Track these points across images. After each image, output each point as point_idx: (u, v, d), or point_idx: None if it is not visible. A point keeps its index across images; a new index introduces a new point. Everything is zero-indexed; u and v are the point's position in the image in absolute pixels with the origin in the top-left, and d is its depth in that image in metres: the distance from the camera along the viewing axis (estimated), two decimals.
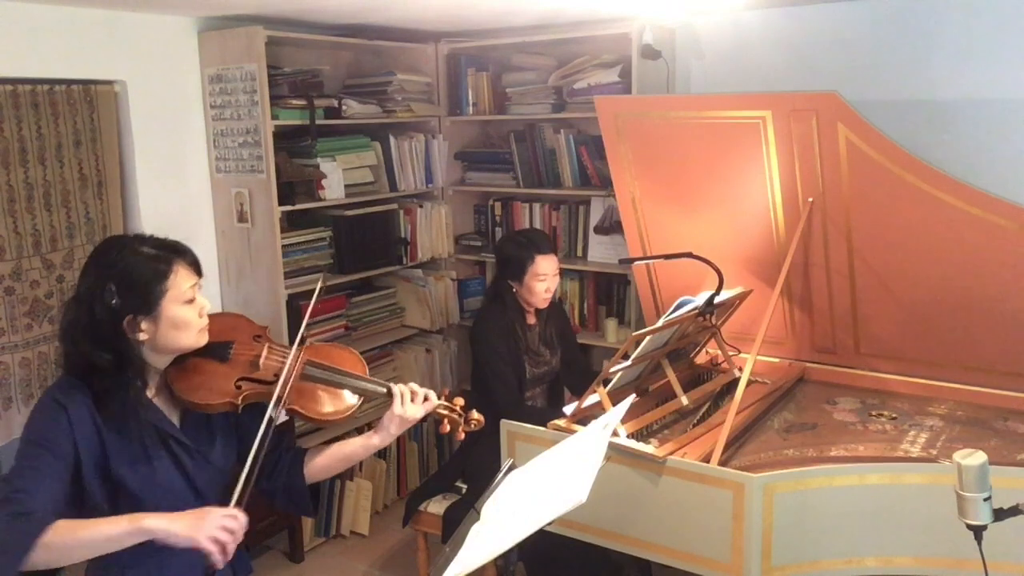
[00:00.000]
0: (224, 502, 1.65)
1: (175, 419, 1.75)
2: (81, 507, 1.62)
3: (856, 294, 2.75)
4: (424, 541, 3.14)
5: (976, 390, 2.68)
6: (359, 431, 3.37)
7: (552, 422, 2.44)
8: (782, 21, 3.40)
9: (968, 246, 2.47)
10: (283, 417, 1.81)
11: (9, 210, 2.94)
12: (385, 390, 1.87)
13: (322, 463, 1.90)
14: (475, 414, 1.96)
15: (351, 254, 3.73)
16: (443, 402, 1.93)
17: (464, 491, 3.07)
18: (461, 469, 3.16)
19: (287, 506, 1.92)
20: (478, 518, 1.61)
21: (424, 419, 1.90)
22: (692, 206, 2.91)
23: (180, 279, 1.66)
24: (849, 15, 3.28)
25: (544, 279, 3.05)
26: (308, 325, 3.35)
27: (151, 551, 1.66)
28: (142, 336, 1.64)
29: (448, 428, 1.93)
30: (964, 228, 2.43)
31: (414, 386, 1.89)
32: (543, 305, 3.12)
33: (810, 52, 3.36)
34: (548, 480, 1.68)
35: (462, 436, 1.96)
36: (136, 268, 1.63)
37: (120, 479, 1.64)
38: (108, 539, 1.53)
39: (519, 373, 3.08)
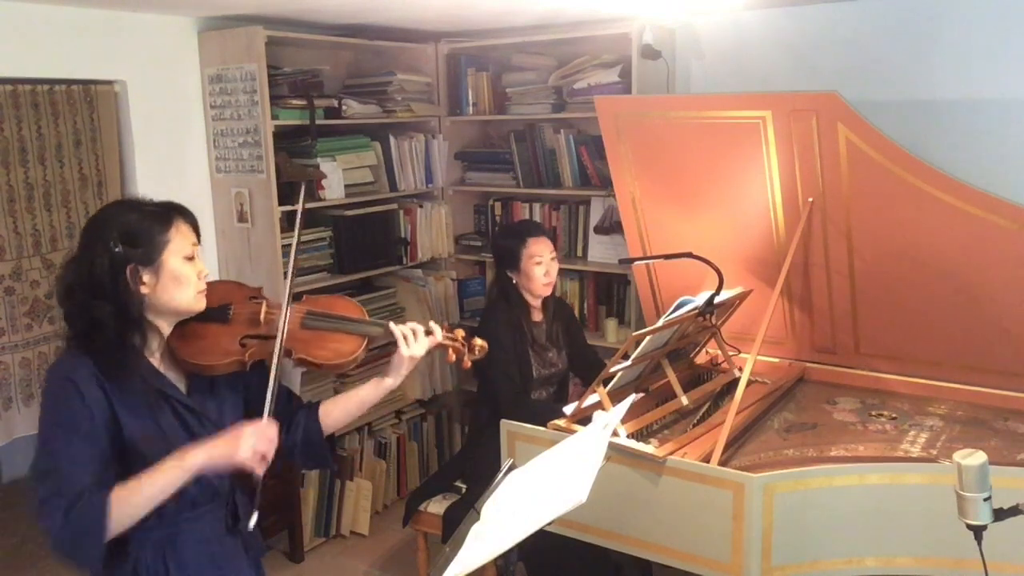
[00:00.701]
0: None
1: (182, 386, 1.76)
2: None
3: (856, 294, 2.75)
4: (424, 541, 3.14)
5: (976, 390, 2.68)
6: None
7: (552, 422, 2.44)
8: (782, 21, 3.40)
9: (968, 246, 2.47)
10: (295, 368, 1.83)
11: (9, 210, 2.94)
12: (381, 329, 1.91)
13: (338, 411, 1.93)
14: (478, 340, 1.99)
15: (351, 254, 3.73)
16: (446, 333, 1.96)
17: (464, 491, 3.07)
18: (461, 469, 3.16)
19: (306, 461, 1.95)
20: (478, 518, 1.61)
21: (430, 352, 1.94)
22: (692, 206, 2.91)
23: (180, 234, 1.68)
24: (849, 15, 3.28)
25: (540, 261, 3.05)
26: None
27: (160, 539, 1.69)
28: (144, 288, 1.64)
29: (454, 357, 1.97)
30: (964, 228, 2.43)
31: (414, 325, 1.91)
32: (545, 292, 3.11)
33: (810, 52, 3.36)
34: (548, 480, 1.68)
35: (468, 365, 1.99)
36: (138, 220, 1.65)
37: (132, 444, 1.65)
38: (164, 489, 1.59)
39: (525, 371, 3.07)
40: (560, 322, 3.24)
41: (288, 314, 1.80)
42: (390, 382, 1.92)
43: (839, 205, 2.60)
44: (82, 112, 3.11)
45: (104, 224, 1.65)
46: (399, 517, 3.22)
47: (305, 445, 1.90)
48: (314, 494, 3.68)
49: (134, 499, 1.56)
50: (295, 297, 1.89)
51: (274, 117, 3.35)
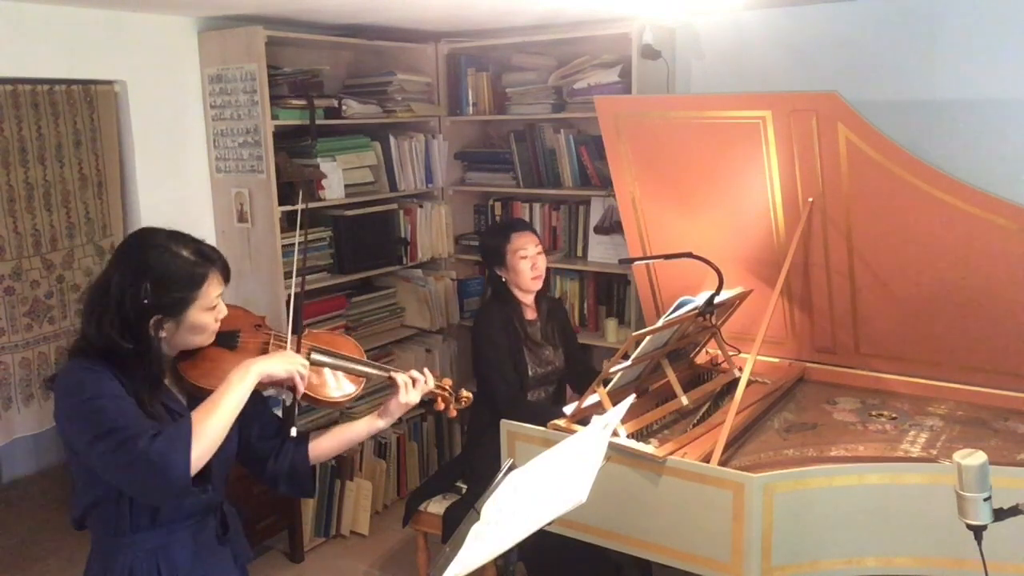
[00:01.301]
0: (223, 480, 1.81)
1: (183, 400, 1.78)
2: (100, 486, 1.65)
3: (856, 294, 2.75)
4: (424, 541, 3.14)
5: (976, 390, 2.68)
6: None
7: (552, 422, 2.44)
8: (782, 21, 3.40)
9: (968, 246, 2.47)
10: (286, 396, 1.86)
11: (9, 210, 2.94)
12: (385, 375, 1.98)
13: (327, 445, 1.98)
14: (464, 392, 2.12)
15: (351, 254, 3.73)
16: (436, 382, 2.06)
17: (464, 491, 3.07)
18: (461, 469, 3.16)
19: (289, 489, 1.97)
20: (478, 518, 1.61)
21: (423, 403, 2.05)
22: (692, 206, 2.91)
23: (211, 288, 1.71)
24: (849, 15, 3.28)
25: (525, 255, 3.05)
26: (306, 324, 3.36)
27: (154, 547, 1.69)
28: (162, 335, 1.67)
29: (443, 406, 2.08)
30: (964, 228, 2.43)
31: (414, 373, 2.00)
32: (534, 286, 3.11)
33: (810, 52, 3.36)
34: (548, 480, 1.68)
35: (454, 413, 2.11)
36: (174, 272, 1.66)
37: None
38: (237, 403, 1.65)
39: (520, 370, 3.07)
40: (555, 321, 3.24)
41: (292, 348, 1.85)
42: (382, 424, 2.00)
43: (839, 205, 2.60)
44: (82, 112, 3.11)
45: (140, 264, 1.65)
46: (399, 517, 3.22)
47: (290, 474, 1.92)
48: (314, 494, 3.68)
49: (211, 421, 1.59)
50: (294, 329, 1.91)
51: (274, 117, 3.35)
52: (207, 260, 1.72)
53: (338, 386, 1.93)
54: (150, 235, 1.73)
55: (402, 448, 4.07)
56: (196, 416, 1.58)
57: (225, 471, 1.83)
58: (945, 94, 3.15)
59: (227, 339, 1.82)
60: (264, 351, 1.85)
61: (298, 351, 1.85)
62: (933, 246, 2.52)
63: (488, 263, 3.19)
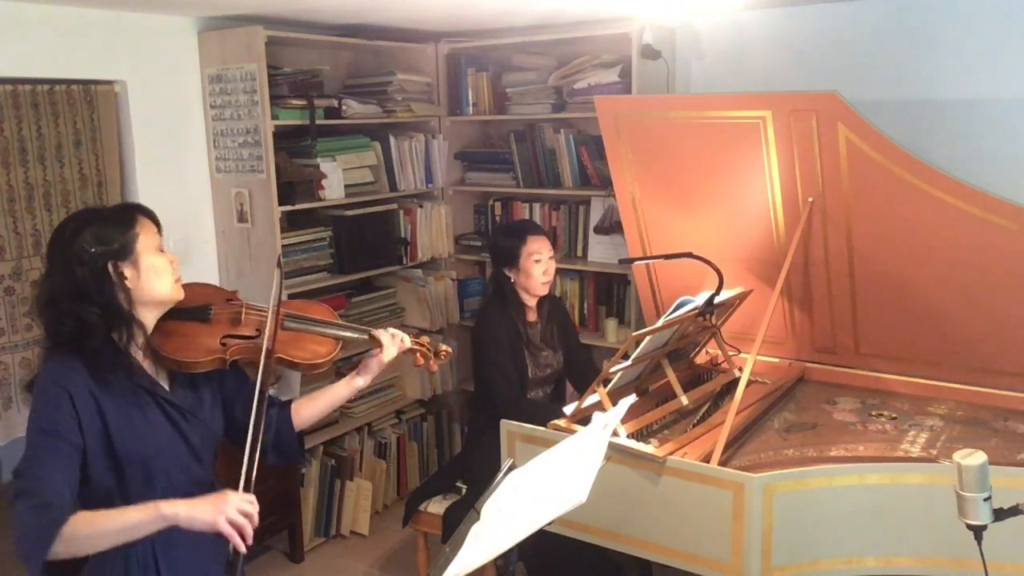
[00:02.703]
0: (212, 461, 1.82)
1: (165, 383, 1.79)
2: (88, 486, 1.65)
3: (856, 294, 2.75)
4: (424, 541, 3.14)
5: (976, 390, 2.68)
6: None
7: (552, 422, 2.44)
8: (782, 21, 3.40)
9: (968, 246, 2.47)
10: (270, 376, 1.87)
11: (9, 210, 2.94)
12: (366, 336, 2.01)
13: (310, 409, 2.01)
14: (442, 346, 2.15)
15: (351, 254, 3.73)
16: (414, 339, 2.09)
17: (464, 491, 3.07)
18: (461, 469, 3.16)
19: (278, 458, 1.98)
20: (478, 518, 1.61)
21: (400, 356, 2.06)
22: (692, 206, 2.91)
23: (146, 227, 1.74)
24: (849, 15, 3.28)
25: (540, 259, 3.04)
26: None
27: (155, 549, 1.70)
28: (127, 282, 1.69)
29: (422, 361, 2.10)
30: (964, 228, 2.43)
31: (393, 330, 2.02)
32: (542, 291, 3.10)
33: (810, 52, 3.36)
34: (548, 480, 1.68)
35: (435, 367, 2.14)
36: (104, 222, 1.70)
37: (123, 447, 1.67)
38: (126, 528, 1.57)
39: (521, 369, 3.07)
40: (555, 323, 3.23)
41: (271, 324, 1.85)
42: (361, 382, 2.02)
43: (839, 205, 2.60)
44: (82, 112, 3.11)
45: (72, 235, 1.68)
46: (399, 517, 3.22)
47: (276, 443, 1.95)
48: (314, 494, 3.68)
49: (95, 527, 1.54)
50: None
51: (274, 117, 3.35)
52: (127, 207, 1.79)
53: (314, 348, 1.94)
54: (66, 219, 1.76)
55: (402, 448, 4.07)
56: (82, 518, 1.53)
57: (213, 450, 1.86)
58: (945, 94, 3.15)
59: (200, 312, 1.85)
60: (237, 321, 1.87)
61: (275, 324, 1.84)
62: (933, 246, 2.52)
63: (497, 262, 3.16)
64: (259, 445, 1.70)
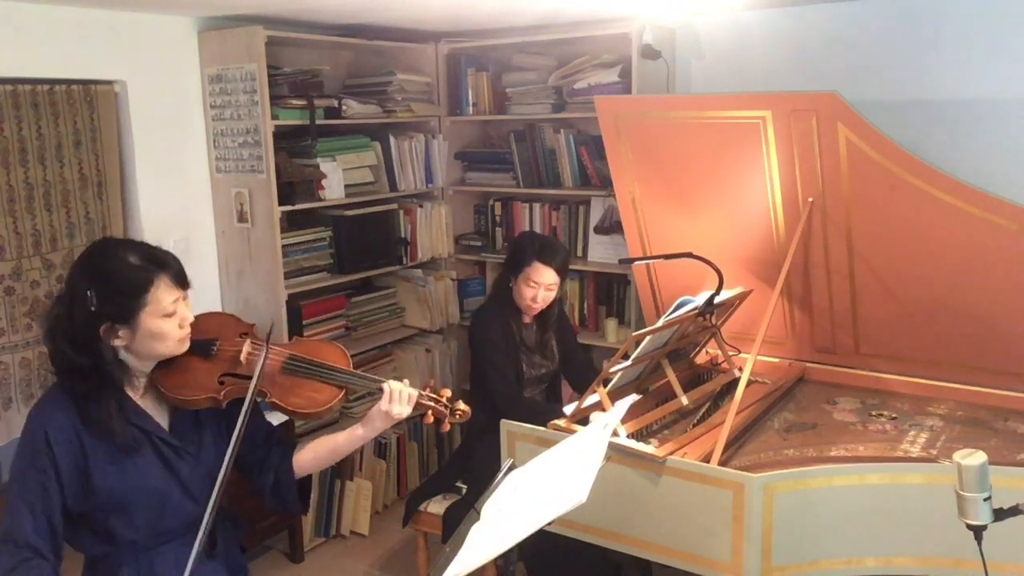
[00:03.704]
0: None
1: (164, 419, 1.76)
2: (71, 522, 1.66)
3: (856, 294, 2.75)
4: (424, 541, 3.14)
5: (976, 390, 2.68)
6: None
7: (552, 422, 2.44)
8: (782, 21, 3.40)
9: (968, 246, 2.47)
10: (274, 415, 1.82)
11: (9, 210, 2.94)
12: (374, 384, 1.88)
13: (308, 456, 1.90)
14: (461, 405, 1.94)
15: (351, 254, 3.73)
16: (428, 393, 1.93)
17: (464, 491, 3.07)
18: (461, 469, 3.16)
19: (276, 503, 1.91)
20: (478, 518, 1.61)
21: (412, 416, 1.90)
22: (692, 206, 2.91)
23: (161, 293, 1.65)
24: (849, 15, 3.28)
25: (534, 287, 2.98)
26: (306, 324, 3.36)
27: (141, 549, 1.70)
28: (119, 342, 1.65)
29: (432, 419, 1.92)
30: (964, 228, 2.43)
31: (404, 387, 1.87)
32: (528, 312, 3.06)
33: (810, 52, 3.36)
34: (548, 480, 1.68)
35: (447, 428, 1.95)
36: (118, 278, 1.62)
37: (102, 483, 1.65)
38: None
39: (516, 369, 3.07)
40: (554, 332, 3.19)
41: (266, 362, 1.78)
42: (360, 431, 1.88)
43: (839, 205, 2.60)
44: (82, 112, 3.11)
45: (87, 272, 1.64)
46: (399, 517, 3.22)
47: (275, 488, 1.88)
48: (314, 494, 3.68)
49: None
50: (281, 343, 1.89)
51: (274, 117, 3.35)
52: (155, 264, 1.66)
53: (311, 397, 1.83)
54: (104, 242, 1.72)
55: (402, 448, 4.07)
56: None
57: (207, 487, 1.77)
58: (945, 94, 3.15)
59: (203, 347, 1.79)
60: (237, 360, 1.80)
61: (262, 365, 1.77)
62: (933, 246, 2.52)
63: (506, 262, 3.14)
64: (233, 453, 1.65)
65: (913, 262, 2.58)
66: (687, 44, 3.63)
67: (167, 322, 1.66)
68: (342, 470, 3.76)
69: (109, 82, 3.19)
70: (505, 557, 1.62)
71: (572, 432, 2.24)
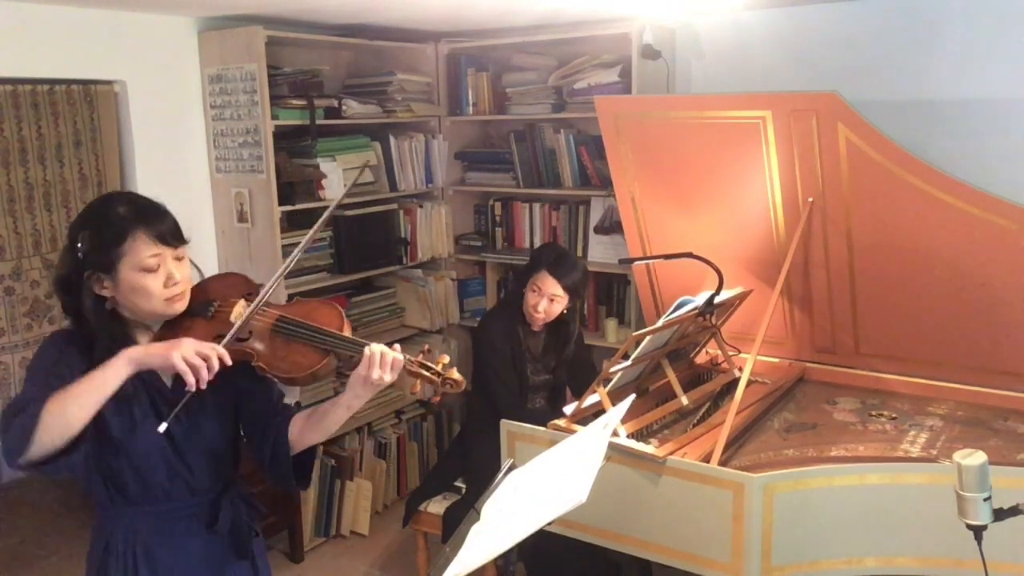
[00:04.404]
0: (211, 468, 1.77)
1: (166, 378, 1.74)
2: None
3: (856, 294, 2.75)
4: (424, 541, 3.14)
5: (976, 390, 2.68)
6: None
7: (552, 422, 2.44)
8: (782, 21, 3.40)
9: (968, 246, 2.47)
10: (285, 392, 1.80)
11: (9, 210, 2.94)
12: (356, 348, 1.73)
13: (297, 427, 1.81)
14: (455, 374, 1.77)
15: (351, 254, 3.73)
16: (419, 360, 1.77)
17: (464, 491, 3.07)
18: (461, 469, 3.16)
19: (273, 478, 1.84)
20: (478, 518, 1.61)
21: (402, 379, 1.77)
22: (692, 206, 2.91)
23: (139, 245, 1.63)
24: (849, 15, 3.28)
25: (538, 294, 2.98)
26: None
27: (128, 524, 1.71)
28: (106, 292, 1.65)
29: (419, 389, 1.77)
30: (964, 228, 2.43)
31: (390, 352, 1.71)
32: (533, 321, 3.05)
33: (810, 52, 3.36)
34: (548, 480, 1.68)
35: (438, 400, 1.83)
36: (102, 225, 1.64)
37: (104, 427, 1.64)
38: (99, 385, 1.53)
39: (521, 377, 3.07)
40: (565, 345, 3.17)
41: (257, 319, 1.75)
42: (343, 402, 1.75)
43: (839, 205, 2.60)
44: (82, 112, 3.11)
45: (83, 217, 1.67)
46: (399, 517, 3.22)
47: (272, 462, 1.82)
48: (314, 494, 3.68)
49: (66, 397, 1.50)
50: (288, 297, 1.86)
51: (274, 117, 3.35)
52: (138, 217, 1.64)
53: (295, 361, 1.74)
54: (110, 193, 1.75)
55: (402, 448, 4.07)
56: (51, 401, 1.50)
57: (208, 458, 1.77)
58: (945, 94, 3.15)
59: (201, 307, 1.77)
60: (228, 319, 1.76)
61: (245, 324, 1.72)
62: (933, 246, 2.52)
63: (525, 268, 3.11)
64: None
65: (913, 262, 2.58)
66: (687, 44, 3.63)
67: (147, 277, 1.64)
68: (342, 470, 3.76)
69: (109, 82, 3.19)
70: (505, 557, 1.62)
71: (572, 432, 2.24)
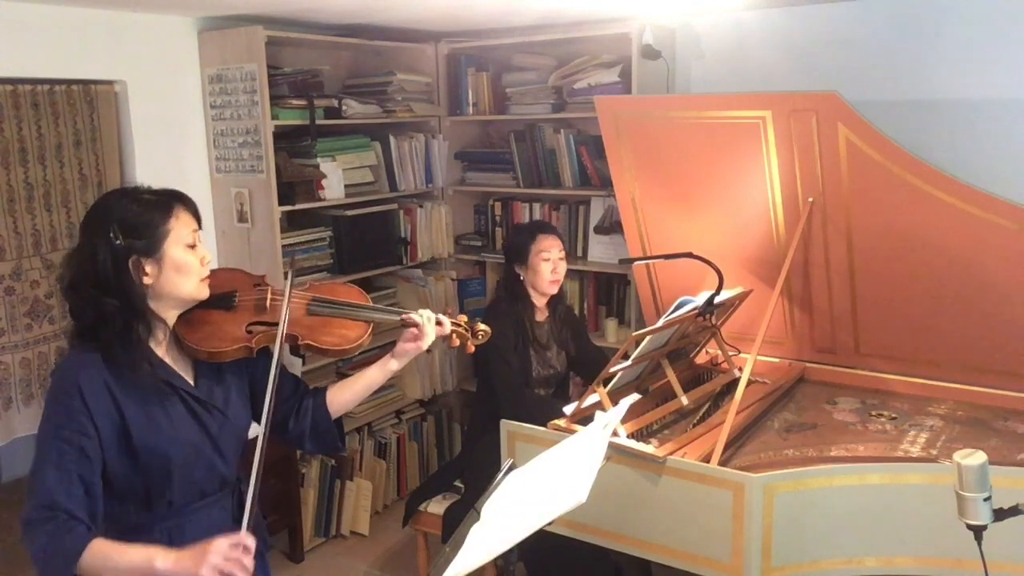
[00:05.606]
0: (237, 456, 1.78)
1: (188, 375, 1.75)
2: (109, 483, 1.64)
3: (856, 294, 2.75)
4: (424, 541, 3.14)
5: (976, 390, 2.68)
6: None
7: (552, 422, 2.44)
8: (782, 21, 3.40)
9: (968, 246, 2.47)
10: (291, 357, 1.83)
11: (9, 210, 2.94)
12: (398, 318, 1.93)
13: (344, 395, 1.95)
14: (481, 325, 2.05)
15: (351, 254, 3.73)
16: (450, 319, 2.01)
17: (464, 491, 3.07)
18: (461, 469, 3.16)
19: (316, 447, 1.96)
20: (478, 518, 1.61)
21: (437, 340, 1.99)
22: (692, 206, 2.91)
23: (181, 222, 1.68)
24: (849, 15, 3.28)
25: (548, 258, 3.04)
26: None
27: (174, 511, 1.72)
28: (147, 279, 1.64)
29: (458, 342, 2.02)
30: (964, 228, 2.43)
31: (428, 312, 1.96)
32: (551, 290, 3.10)
33: (810, 52, 3.36)
34: (548, 480, 1.68)
35: (472, 349, 2.05)
36: (138, 211, 1.65)
37: (140, 439, 1.64)
38: (130, 571, 1.55)
39: (525, 367, 3.06)
40: (568, 327, 3.22)
41: (290, 306, 1.80)
42: (395, 365, 1.95)
43: (839, 205, 2.60)
44: (82, 112, 3.11)
45: (104, 215, 1.64)
46: (399, 517, 3.22)
47: (314, 431, 1.91)
48: (314, 494, 3.68)
49: (108, 561, 1.55)
50: (300, 286, 1.90)
51: (274, 117, 3.35)
52: (169, 195, 1.70)
53: (343, 334, 1.88)
54: (111, 192, 1.75)
55: (402, 448, 4.07)
56: (96, 549, 1.54)
57: (238, 445, 1.81)
58: (945, 94, 3.15)
59: (224, 300, 1.80)
60: (262, 307, 1.82)
61: (287, 305, 1.78)
62: (933, 246, 2.52)
63: (509, 260, 3.17)
64: (260, 473, 1.62)
65: (913, 262, 2.58)
66: (687, 44, 3.63)
67: (190, 254, 1.68)
68: (342, 470, 3.76)
69: (109, 82, 3.19)
70: (505, 557, 1.62)
71: (572, 432, 2.24)
